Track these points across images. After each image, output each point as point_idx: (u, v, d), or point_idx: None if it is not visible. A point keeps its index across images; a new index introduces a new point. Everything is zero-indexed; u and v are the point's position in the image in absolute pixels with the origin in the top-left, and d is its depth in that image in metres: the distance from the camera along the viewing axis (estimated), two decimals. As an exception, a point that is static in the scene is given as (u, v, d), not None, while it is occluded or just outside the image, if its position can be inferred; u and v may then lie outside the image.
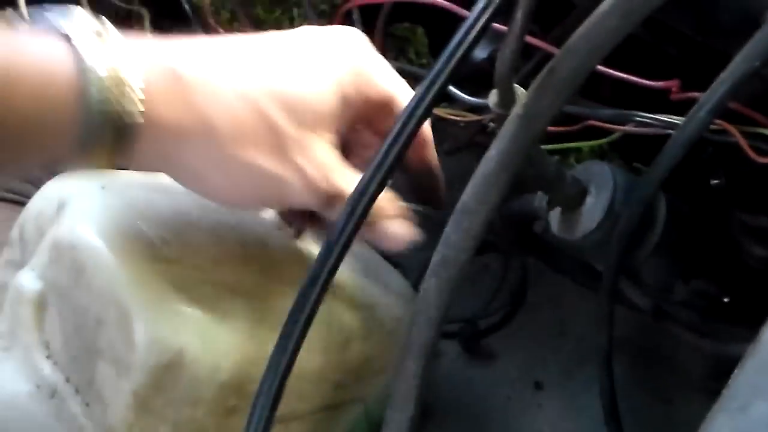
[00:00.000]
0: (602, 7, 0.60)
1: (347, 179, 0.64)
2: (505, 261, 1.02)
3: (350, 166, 0.66)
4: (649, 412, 0.92)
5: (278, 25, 2.45)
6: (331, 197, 0.64)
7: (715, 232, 0.84)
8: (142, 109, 0.55)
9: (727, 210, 0.86)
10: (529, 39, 0.80)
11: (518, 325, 1.03)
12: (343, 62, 0.66)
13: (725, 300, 0.85)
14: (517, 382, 1.00)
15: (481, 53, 1.11)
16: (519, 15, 0.61)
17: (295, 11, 2.37)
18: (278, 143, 0.61)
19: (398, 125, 0.60)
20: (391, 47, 1.38)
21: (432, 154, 0.73)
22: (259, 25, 2.32)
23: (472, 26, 0.58)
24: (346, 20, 1.01)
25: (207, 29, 1.15)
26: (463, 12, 0.81)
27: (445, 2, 0.83)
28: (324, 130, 0.64)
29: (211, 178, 0.61)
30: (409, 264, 0.99)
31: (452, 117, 0.93)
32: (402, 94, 0.68)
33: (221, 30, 1.14)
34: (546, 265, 1.04)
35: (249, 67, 0.62)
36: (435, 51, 1.24)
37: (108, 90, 0.54)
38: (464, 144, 1.05)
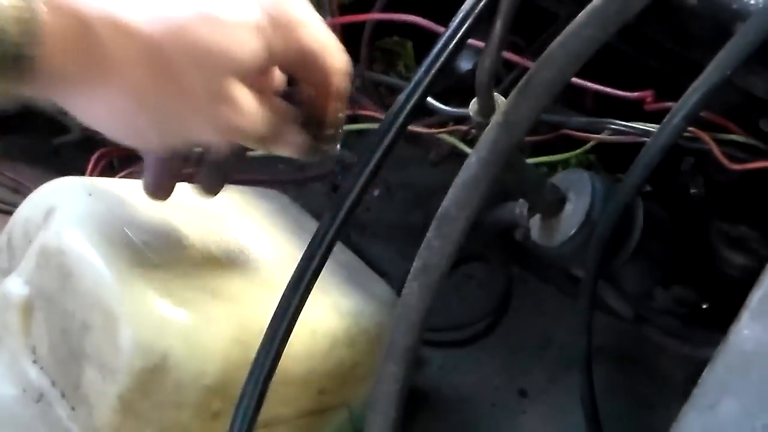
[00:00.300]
0: (579, 18, 0.61)
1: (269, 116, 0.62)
2: (489, 270, 1.04)
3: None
4: (631, 418, 0.93)
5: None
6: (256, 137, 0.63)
7: (694, 240, 0.85)
8: (38, 48, 0.52)
9: (707, 219, 0.87)
10: (507, 54, 0.82)
11: (502, 333, 1.04)
12: (267, 10, 0.62)
13: (704, 306, 0.87)
14: (502, 390, 1.01)
15: (466, 65, 1.13)
16: (498, 26, 0.62)
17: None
18: (181, 90, 0.58)
19: (378, 135, 0.61)
20: (380, 60, 1.39)
21: (339, 107, 0.68)
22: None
23: (445, 45, 0.60)
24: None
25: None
26: (440, 28, 0.82)
27: (420, 19, 0.84)
28: (239, 78, 0.60)
29: (105, 120, 0.59)
30: (394, 272, 1.00)
31: (429, 131, 0.94)
32: (330, 49, 0.65)
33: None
34: (530, 274, 1.05)
35: (159, 9, 0.57)
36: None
37: (7, 20, 0.52)
38: (448, 154, 1.06)
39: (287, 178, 1.15)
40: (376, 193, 1.18)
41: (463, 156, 1.03)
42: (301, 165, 1.16)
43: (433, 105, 0.86)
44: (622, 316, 0.88)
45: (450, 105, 0.88)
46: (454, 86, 1.01)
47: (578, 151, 0.82)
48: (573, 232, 0.73)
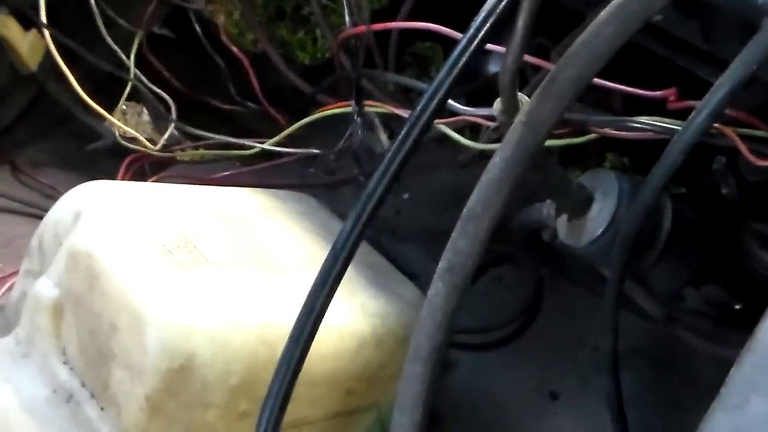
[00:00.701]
0: (601, 17, 0.61)
1: None
2: (520, 273, 1.03)
3: None
4: (663, 420, 0.93)
5: (302, 46, 2.48)
6: None
7: (727, 240, 0.85)
8: None
9: (740, 219, 0.86)
10: (531, 59, 0.82)
11: (533, 335, 1.03)
12: None
13: (737, 307, 0.86)
14: (533, 392, 1.01)
15: (494, 68, 1.12)
16: (520, 25, 0.62)
17: (318, 31, 2.40)
18: None
19: (400, 138, 0.61)
20: (413, 66, 1.40)
21: None
22: (282, 46, 2.36)
23: (465, 48, 0.60)
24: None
25: (222, 51, 1.17)
26: (456, 34, 0.82)
27: (441, 27, 0.84)
28: None
29: None
30: (424, 275, 1.00)
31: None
32: None
33: (236, 50, 1.15)
34: (560, 276, 1.04)
35: None
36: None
37: None
38: (478, 156, 1.06)
39: (317, 182, 1.15)
40: (406, 196, 1.18)
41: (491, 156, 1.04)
42: (331, 169, 1.17)
43: (454, 107, 0.86)
44: (653, 317, 0.87)
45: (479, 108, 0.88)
46: (482, 89, 1.01)
47: (582, 139, 0.81)
48: (600, 232, 0.72)
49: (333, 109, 1.01)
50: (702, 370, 0.93)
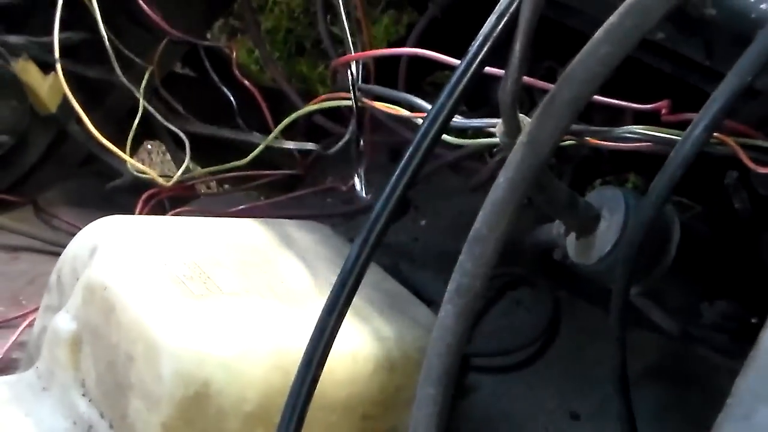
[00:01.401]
0: (596, 36, 0.62)
1: None
2: (537, 295, 1.03)
3: None
4: (685, 438, 0.92)
5: (322, 80, 2.51)
6: None
7: (740, 254, 0.85)
8: None
9: (755, 233, 0.86)
10: (535, 81, 0.82)
11: (553, 356, 1.03)
12: None
13: (754, 321, 0.85)
14: (554, 413, 1.01)
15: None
16: (517, 48, 0.63)
17: (339, 66, 2.43)
18: None
19: (403, 162, 0.63)
20: (431, 94, 1.41)
21: None
22: (303, 81, 2.38)
23: (464, 71, 0.62)
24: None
25: (235, 87, 1.19)
26: (453, 61, 0.83)
27: (426, 52, 0.86)
28: None
29: None
30: (438, 299, 1.00)
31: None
32: None
33: (248, 84, 1.17)
34: (577, 297, 1.05)
35: None
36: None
37: None
38: (487, 180, 1.07)
39: (335, 212, 1.16)
40: (423, 222, 1.19)
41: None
42: (348, 198, 1.18)
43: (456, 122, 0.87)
44: (668, 334, 0.87)
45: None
46: (490, 113, 1.02)
47: (569, 142, 0.81)
48: (608, 249, 0.73)
49: (325, 101, 1.02)
50: (722, 386, 0.92)
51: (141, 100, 1.12)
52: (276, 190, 1.15)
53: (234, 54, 1.16)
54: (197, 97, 1.27)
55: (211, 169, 1.13)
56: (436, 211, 1.18)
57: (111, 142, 1.05)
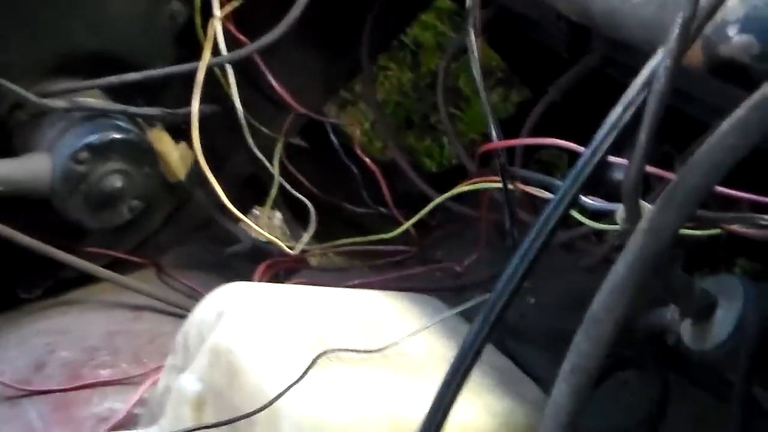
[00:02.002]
0: (722, 127, 0.63)
1: None
2: (645, 377, 1.03)
3: None
4: None
5: (429, 153, 2.55)
6: None
7: None
8: None
9: None
10: (652, 169, 0.84)
11: (660, 440, 1.02)
12: None
13: None
14: (662, 500, 0.99)
15: (618, 175, 1.14)
16: (642, 138, 0.65)
17: (445, 139, 2.47)
18: None
19: (524, 246, 0.64)
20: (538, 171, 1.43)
21: None
22: (410, 153, 2.42)
23: (588, 161, 0.63)
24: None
25: (356, 160, 1.23)
26: (579, 148, 0.85)
27: (565, 143, 0.87)
28: None
29: None
30: (548, 378, 1.00)
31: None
32: None
33: (368, 160, 1.21)
34: (687, 381, 1.04)
35: None
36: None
37: None
38: (601, 260, 1.08)
39: (444, 286, 1.18)
40: (532, 300, 1.20)
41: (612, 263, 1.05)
42: (456, 273, 1.19)
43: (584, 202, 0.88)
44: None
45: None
46: (606, 194, 1.03)
47: (706, 232, 0.81)
48: (724, 338, 0.73)
49: (473, 184, 1.03)
50: None
51: (275, 171, 1.17)
52: (387, 266, 1.17)
53: (358, 132, 1.20)
54: (315, 169, 1.32)
55: (341, 242, 1.16)
56: (545, 290, 1.19)
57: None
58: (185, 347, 0.78)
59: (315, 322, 0.74)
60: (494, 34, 1.35)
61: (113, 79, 1.08)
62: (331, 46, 1.29)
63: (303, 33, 1.14)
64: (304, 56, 1.27)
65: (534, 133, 1.09)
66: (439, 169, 2.39)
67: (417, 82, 2.65)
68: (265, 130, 1.19)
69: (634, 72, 0.68)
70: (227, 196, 1.12)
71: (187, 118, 1.09)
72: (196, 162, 1.12)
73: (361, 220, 1.30)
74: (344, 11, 1.26)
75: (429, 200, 1.24)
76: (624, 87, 0.68)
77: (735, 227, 0.76)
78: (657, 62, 0.67)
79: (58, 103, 1.04)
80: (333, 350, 0.73)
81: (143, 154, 1.08)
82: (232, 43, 1.14)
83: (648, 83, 0.67)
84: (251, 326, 0.71)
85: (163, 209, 1.21)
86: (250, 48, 1.11)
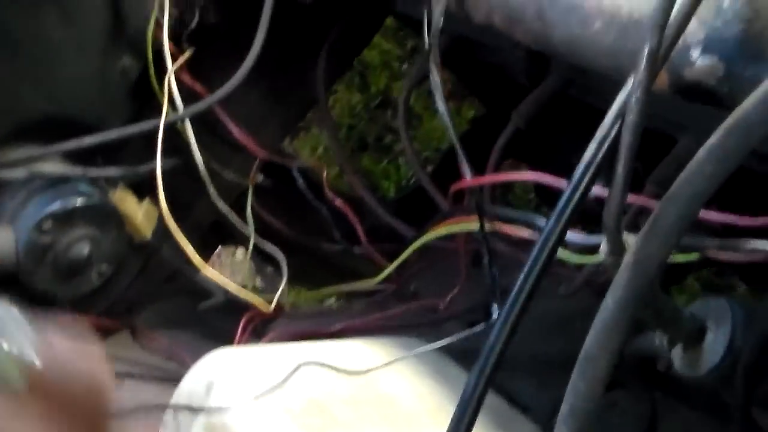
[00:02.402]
0: (699, 155, 0.63)
1: None
2: (632, 397, 1.03)
3: None
4: None
5: (386, 175, 2.54)
6: None
7: None
8: None
9: None
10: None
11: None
12: None
13: None
14: None
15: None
16: (620, 170, 0.65)
17: (401, 160, 2.47)
18: None
19: (515, 292, 0.64)
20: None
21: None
22: (366, 176, 2.41)
23: (569, 198, 0.63)
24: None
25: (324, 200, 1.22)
26: (555, 182, 0.85)
27: (537, 175, 0.87)
28: None
29: None
30: (536, 406, 1.00)
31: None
32: None
33: (339, 201, 1.20)
34: (675, 401, 1.04)
35: None
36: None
37: None
38: (580, 286, 1.07)
39: (421, 321, 1.17)
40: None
41: (595, 286, 1.05)
42: (433, 307, 1.18)
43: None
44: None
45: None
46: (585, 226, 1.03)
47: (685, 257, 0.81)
48: (716, 362, 0.73)
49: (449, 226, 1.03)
50: None
51: (249, 223, 1.16)
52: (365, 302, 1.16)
53: (325, 173, 1.20)
54: (282, 208, 1.30)
55: (321, 292, 1.15)
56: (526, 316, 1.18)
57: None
58: (176, 421, 0.76)
59: (308, 385, 0.73)
60: (448, 56, 1.36)
61: (71, 143, 1.05)
62: (286, 83, 1.29)
63: (258, 75, 1.13)
64: (260, 97, 1.26)
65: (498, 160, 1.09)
66: (397, 189, 2.38)
67: (367, 104, 2.64)
68: (227, 177, 1.18)
69: (597, 92, 0.68)
70: (192, 245, 1.10)
71: (150, 174, 1.07)
72: (160, 216, 1.10)
73: (333, 259, 1.29)
74: (298, 46, 1.25)
75: (397, 231, 1.23)
76: (587, 107, 0.68)
77: (719, 253, 0.76)
78: (627, 93, 0.67)
79: (17, 172, 1.02)
80: (326, 412, 0.72)
81: (108, 218, 1.06)
82: (188, 93, 1.13)
83: (620, 115, 0.67)
84: (243, 399, 0.70)
85: (131, 269, 1.19)
86: (207, 101, 1.10)
